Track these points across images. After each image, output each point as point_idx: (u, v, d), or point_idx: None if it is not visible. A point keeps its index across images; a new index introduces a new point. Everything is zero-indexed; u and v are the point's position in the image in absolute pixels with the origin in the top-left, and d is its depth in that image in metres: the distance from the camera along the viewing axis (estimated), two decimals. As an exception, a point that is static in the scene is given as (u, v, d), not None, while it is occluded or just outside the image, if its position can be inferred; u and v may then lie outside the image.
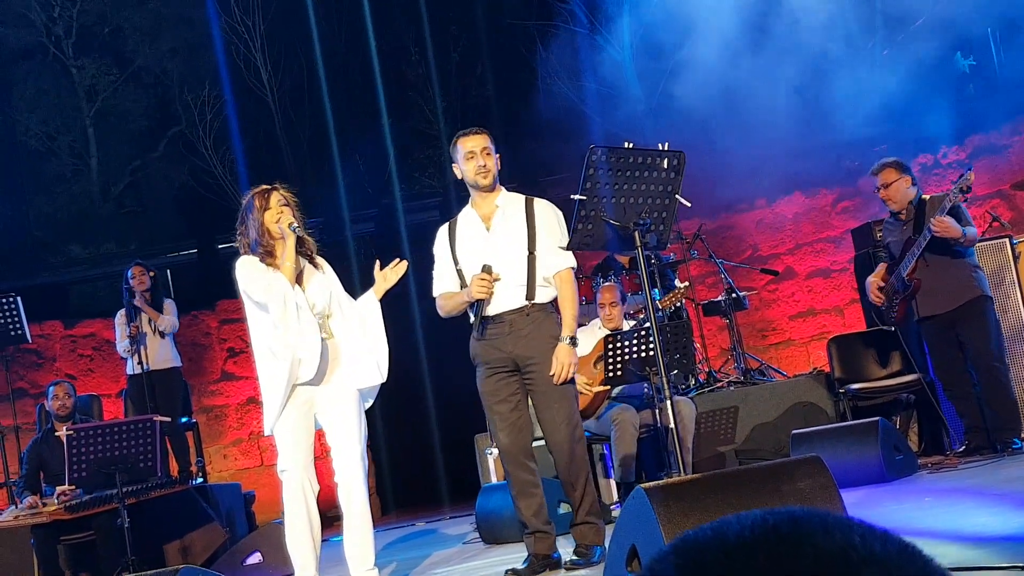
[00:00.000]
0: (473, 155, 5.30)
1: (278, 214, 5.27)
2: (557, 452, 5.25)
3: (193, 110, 14.95)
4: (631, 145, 4.71)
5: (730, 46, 11.33)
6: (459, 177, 5.43)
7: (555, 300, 5.33)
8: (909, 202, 7.10)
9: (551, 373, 5.14)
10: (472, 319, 5.34)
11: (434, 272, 5.50)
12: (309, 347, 5.17)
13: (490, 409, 5.35)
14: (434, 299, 5.51)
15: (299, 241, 5.27)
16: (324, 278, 5.42)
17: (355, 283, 10.64)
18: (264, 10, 14.63)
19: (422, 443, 11.63)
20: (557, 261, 5.21)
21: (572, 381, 5.25)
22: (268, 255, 5.26)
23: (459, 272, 5.37)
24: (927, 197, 7.08)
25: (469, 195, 5.46)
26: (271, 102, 14.88)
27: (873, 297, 7.32)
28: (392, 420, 11.43)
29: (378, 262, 5.59)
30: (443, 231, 5.48)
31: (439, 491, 11.30)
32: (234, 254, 5.44)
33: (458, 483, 10.93)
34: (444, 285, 5.45)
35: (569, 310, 5.23)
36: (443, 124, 14.28)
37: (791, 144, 11.17)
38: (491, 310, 5.24)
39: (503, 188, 5.42)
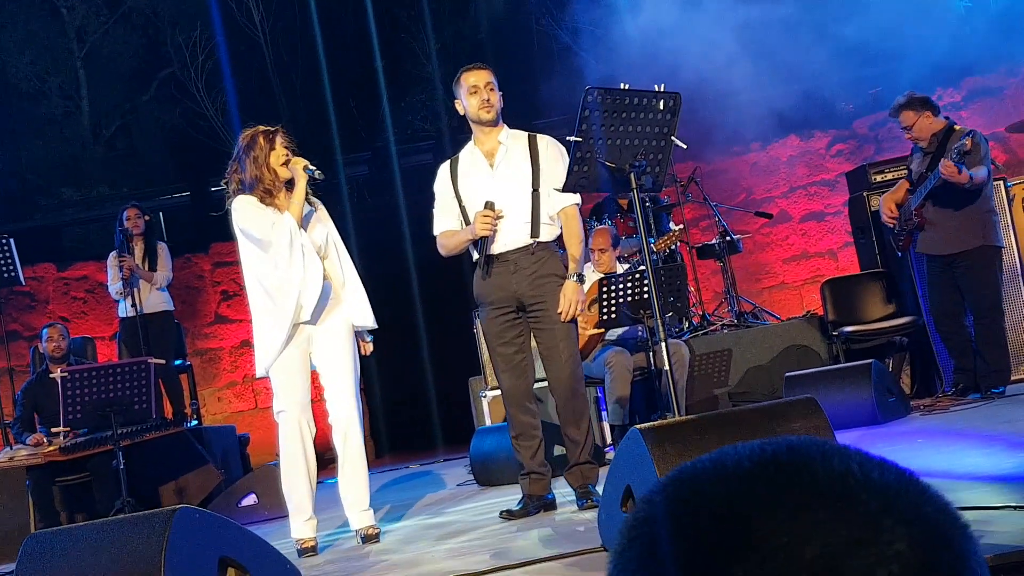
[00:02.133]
0: (477, 90, 5.26)
1: (284, 155, 5.28)
2: (560, 390, 5.26)
3: (184, 51, 14.81)
4: (627, 87, 4.68)
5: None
6: (462, 113, 5.38)
7: (560, 238, 5.30)
8: (933, 134, 7.00)
9: (559, 311, 5.13)
10: (475, 257, 5.33)
11: (434, 210, 5.46)
12: (312, 287, 5.19)
13: (493, 351, 5.35)
14: (433, 239, 5.47)
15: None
16: (320, 218, 5.44)
17: (348, 227, 10.63)
18: (255, -51, 14.46)
19: (415, 387, 11.66)
20: (562, 198, 5.17)
21: (575, 321, 5.25)
22: (268, 195, 5.26)
23: (462, 210, 5.34)
24: (957, 128, 6.96)
25: (463, 137, 5.43)
26: (263, 43, 14.74)
27: (885, 216, 7.29)
28: (385, 364, 11.46)
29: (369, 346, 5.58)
30: (444, 168, 5.44)
31: (433, 435, 11.34)
32: (227, 196, 5.43)
33: (451, 427, 10.98)
34: (445, 223, 5.41)
35: (575, 247, 5.21)
36: (437, 66, 14.17)
37: (785, 87, 11.11)
38: (495, 249, 5.22)
39: (506, 125, 5.38)
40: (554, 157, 5.25)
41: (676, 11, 11.53)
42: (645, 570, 0.74)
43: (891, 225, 7.28)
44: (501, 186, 5.24)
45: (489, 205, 5.14)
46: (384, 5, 14.45)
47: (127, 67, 15.71)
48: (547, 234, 5.25)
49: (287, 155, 5.31)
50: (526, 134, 5.37)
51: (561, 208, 5.23)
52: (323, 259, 5.35)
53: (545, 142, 5.30)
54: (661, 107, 4.58)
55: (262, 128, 5.35)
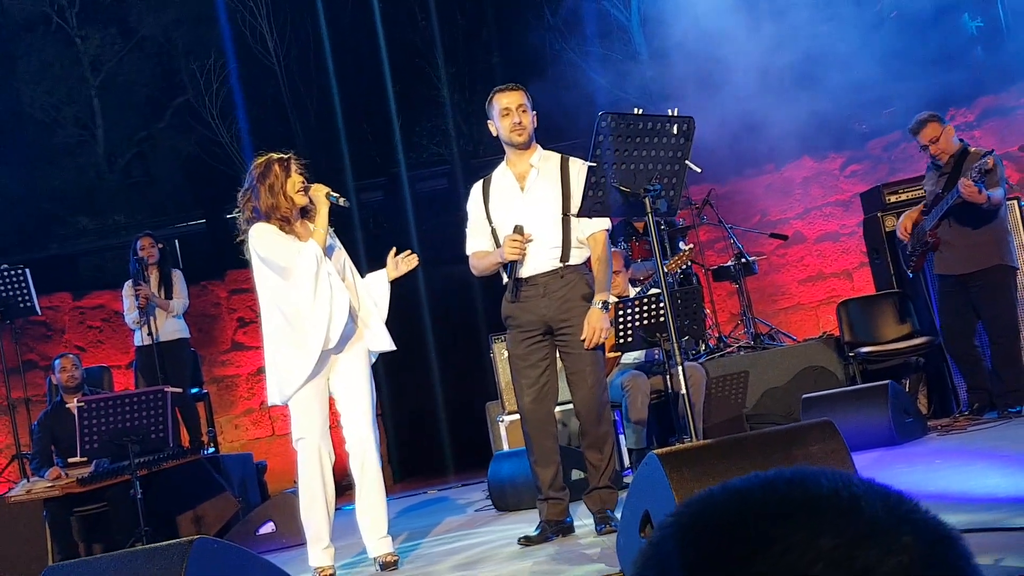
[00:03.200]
0: (508, 112, 5.25)
1: (300, 183, 5.28)
2: (585, 414, 5.24)
3: (199, 79, 14.89)
4: (640, 111, 4.69)
5: (737, 9, 11.26)
6: (494, 134, 5.39)
7: (589, 261, 5.29)
8: (951, 155, 6.99)
9: (582, 337, 5.13)
10: (505, 280, 5.33)
11: (467, 229, 5.48)
12: (340, 315, 5.19)
13: (518, 372, 5.33)
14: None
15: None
16: (338, 245, 5.46)
17: (359, 253, 10.68)
18: (268, -23, 14.55)
19: (426, 412, 11.66)
20: (592, 223, 5.15)
21: (603, 346, 5.24)
22: (285, 223, 5.26)
23: (493, 231, 5.35)
24: (972, 150, 6.97)
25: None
26: (278, 70, 14.82)
27: (901, 233, 7.28)
28: (396, 389, 11.46)
29: (394, 249, 5.59)
30: (477, 188, 5.44)
31: (444, 460, 11.33)
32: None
33: (462, 452, 10.97)
34: (477, 243, 5.42)
35: (602, 273, 5.20)
36: (448, 91, 14.21)
37: (799, 108, 11.12)
38: (524, 272, 5.22)
39: (539, 146, 5.37)
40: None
41: (689, 35, 11.56)
42: None
43: (905, 240, 7.27)
44: (531, 209, 5.23)
45: (518, 230, 5.13)
46: (397, 29, 14.52)
47: (142, 95, 15.80)
48: (577, 258, 5.24)
49: (303, 182, 5.31)
50: (559, 156, 5.35)
51: (590, 234, 5.23)
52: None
53: (577, 166, 5.23)
54: (675, 131, 4.58)
55: (276, 156, 5.34)
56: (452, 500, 8.62)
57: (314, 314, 5.17)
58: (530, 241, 5.14)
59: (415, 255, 5.59)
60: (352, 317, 5.35)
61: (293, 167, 5.32)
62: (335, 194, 5.30)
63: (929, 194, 7.15)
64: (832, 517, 0.75)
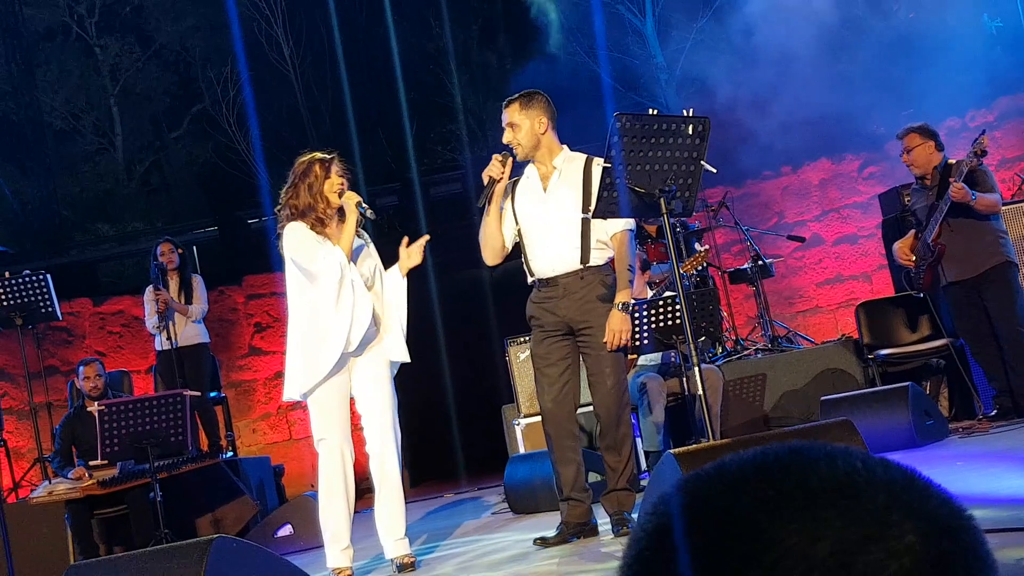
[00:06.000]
0: (505, 129, 5.31)
1: (339, 185, 5.31)
2: (605, 415, 5.24)
3: (216, 87, 14.97)
4: (655, 112, 4.69)
5: (752, 11, 11.26)
6: None
7: (611, 262, 5.29)
8: (934, 167, 7.03)
9: (604, 340, 5.14)
10: (530, 280, 5.34)
11: None
12: (361, 321, 5.22)
13: (539, 371, 5.34)
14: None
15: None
16: (369, 250, 5.47)
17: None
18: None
19: (439, 416, 11.65)
20: (615, 223, 5.13)
21: (624, 348, 5.24)
22: (320, 223, 5.30)
23: (518, 232, 5.37)
24: (953, 162, 7.01)
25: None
26: (293, 77, 14.89)
27: (901, 260, 7.27)
28: (409, 394, 11.45)
29: (406, 238, 5.60)
30: (509, 187, 5.44)
31: (457, 465, 11.31)
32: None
33: (475, 456, 10.96)
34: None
35: (624, 275, 5.18)
36: (460, 97, 14.24)
37: (816, 110, 11.10)
38: (546, 273, 5.24)
39: (566, 147, 5.36)
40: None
41: (703, 37, 11.56)
42: None
43: (909, 267, 7.24)
44: (551, 210, 5.25)
45: (504, 155, 5.19)
46: (411, 37, 14.56)
47: (160, 103, 15.91)
48: (598, 258, 5.24)
49: (342, 185, 5.34)
50: (584, 157, 5.34)
51: (612, 234, 5.22)
52: (370, 291, 5.38)
53: (599, 168, 5.18)
54: (690, 132, 4.58)
55: (319, 155, 5.39)
56: (468, 504, 8.63)
57: (336, 319, 5.21)
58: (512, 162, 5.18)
59: (426, 235, 5.61)
60: (376, 322, 5.38)
61: (334, 169, 5.36)
62: (365, 204, 5.32)
63: (920, 211, 7.16)
64: (830, 514, 0.71)
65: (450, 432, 11.56)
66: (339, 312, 5.20)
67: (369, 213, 5.34)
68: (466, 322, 11.34)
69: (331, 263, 5.21)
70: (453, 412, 11.60)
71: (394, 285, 5.55)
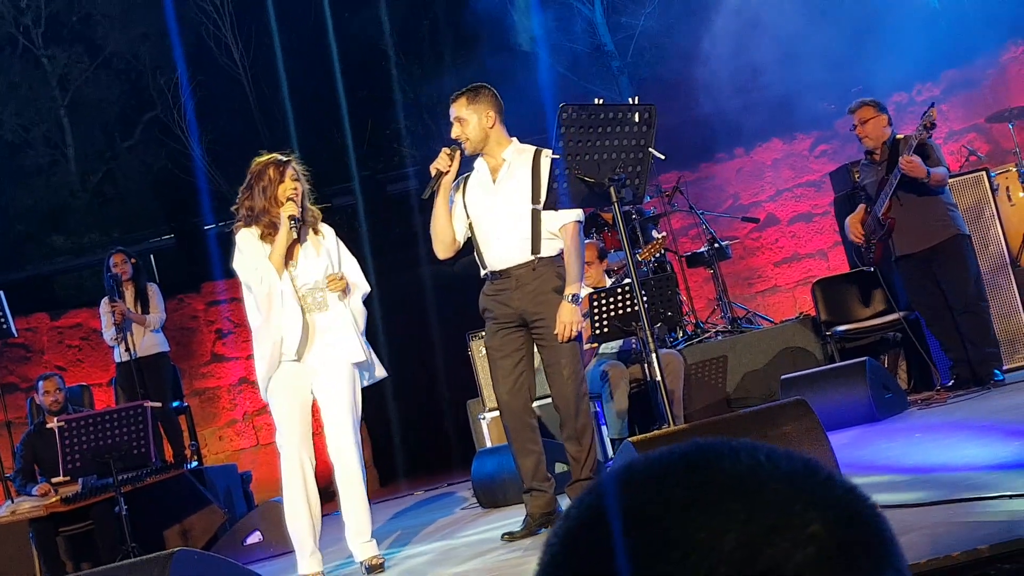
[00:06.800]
0: (453, 124, 5.31)
1: (291, 190, 5.28)
2: (563, 406, 5.25)
3: (167, 94, 14.86)
4: (601, 101, 4.70)
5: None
6: None
7: (563, 252, 5.30)
8: (884, 142, 7.09)
9: (555, 332, 5.14)
10: (483, 273, 5.35)
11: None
12: (290, 331, 5.24)
13: (494, 363, 5.35)
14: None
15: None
16: (324, 248, 5.42)
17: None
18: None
19: (410, 413, 11.63)
20: (563, 214, 5.13)
21: (579, 337, 5.25)
22: (272, 227, 5.28)
23: (470, 226, 5.37)
24: (901, 137, 7.07)
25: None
26: (245, 80, 14.80)
27: (853, 236, 7.31)
28: (375, 395, 11.43)
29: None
30: (459, 180, 5.43)
31: (427, 462, 11.30)
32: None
33: (445, 452, 10.96)
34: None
35: (573, 266, 5.18)
36: (398, 91, 14.18)
37: (766, 91, 11.16)
38: (498, 265, 5.25)
39: (515, 140, 5.37)
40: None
41: (652, 24, 11.60)
42: None
43: (859, 243, 7.29)
44: (501, 202, 5.26)
45: (453, 148, 5.22)
46: (356, 35, 14.49)
47: (111, 112, 15.76)
48: (549, 249, 5.23)
49: (295, 190, 5.30)
50: (533, 149, 5.34)
51: (561, 226, 5.22)
52: (322, 290, 5.34)
53: (548, 159, 5.17)
54: (636, 119, 4.60)
55: (274, 158, 5.36)
56: (439, 500, 8.63)
57: (268, 331, 5.27)
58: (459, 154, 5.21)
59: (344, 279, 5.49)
60: (320, 324, 5.36)
61: (288, 172, 5.32)
62: (297, 218, 5.26)
63: (869, 186, 7.21)
64: (735, 508, 0.72)
65: (419, 429, 11.55)
66: (270, 326, 5.26)
67: (295, 228, 5.26)
68: (431, 318, 11.32)
69: (264, 280, 5.24)
70: (421, 409, 11.59)
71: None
